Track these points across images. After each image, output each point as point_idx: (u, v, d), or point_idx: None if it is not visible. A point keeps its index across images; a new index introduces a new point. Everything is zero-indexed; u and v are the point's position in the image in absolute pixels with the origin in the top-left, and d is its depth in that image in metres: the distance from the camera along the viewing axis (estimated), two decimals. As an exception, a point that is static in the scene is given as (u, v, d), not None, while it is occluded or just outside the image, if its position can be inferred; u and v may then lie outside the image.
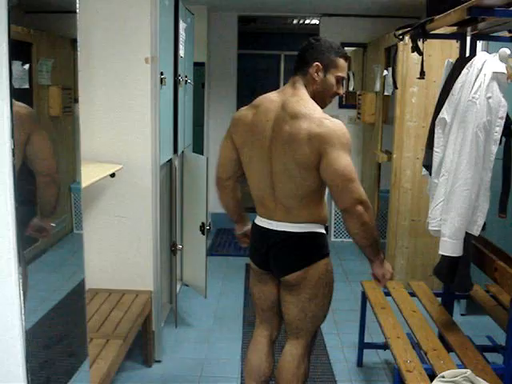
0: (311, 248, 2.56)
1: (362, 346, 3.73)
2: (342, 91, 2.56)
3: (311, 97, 2.46)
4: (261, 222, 2.60)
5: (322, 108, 2.46)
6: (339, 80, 2.51)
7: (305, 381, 2.71)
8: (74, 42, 2.01)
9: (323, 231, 2.57)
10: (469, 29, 3.08)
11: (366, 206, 2.39)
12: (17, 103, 1.39)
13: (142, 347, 3.63)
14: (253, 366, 2.77)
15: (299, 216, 2.50)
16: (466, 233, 2.78)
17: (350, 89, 6.90)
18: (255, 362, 2.76)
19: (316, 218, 2.53)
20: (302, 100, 2.43)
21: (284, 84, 2.58)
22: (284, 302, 2.67)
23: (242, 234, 2.87)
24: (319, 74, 2.46)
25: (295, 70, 2.53)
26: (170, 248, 4.18)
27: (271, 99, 2.48)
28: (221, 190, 2.76)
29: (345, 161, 2.34)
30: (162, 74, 3.53)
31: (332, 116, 2.42)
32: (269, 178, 2.48)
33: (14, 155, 1.33)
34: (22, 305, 1.42)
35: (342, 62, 2.49)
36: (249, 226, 2.81)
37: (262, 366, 2.75)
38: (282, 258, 2.57)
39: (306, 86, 2.48)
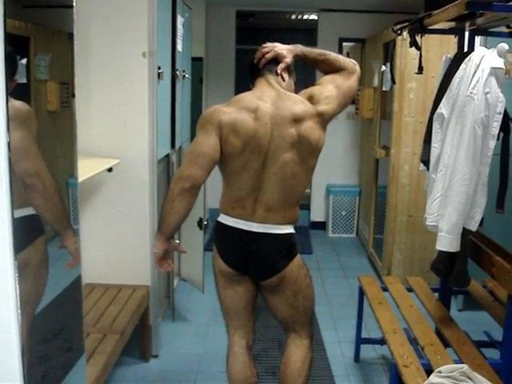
0: (290, 249, 2.55)
1: (359, 341, 3.73)
2: None
3: None
4: (235, 223, 2.50)
5: None
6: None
7: (310, 370, 2.74)
8: (72, 36, 2.00)
9: (294, 231, 2.58)
10: (467, 24, 3.07)
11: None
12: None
13: (139, 342, 3.63)
14: (238, 379, 2.71)
15: (281, 217, 2.48)
16: (464, 228, 2.78)
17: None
18: (240, 376, 2.70)
19: (293, 219, 2.54)
20: (291, 96, 2.49)
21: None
22: (270, 303, 2.66)
23: (162, 252, 2.51)
24: (286, 74, 2.56)
25: (261, 71, 2.55)
26: (168, 243, 4.17)
27: (261, 101, 2.43)
28: (187, 197, 2.39)
29: (338, 80, 2.56)
30: (159, 68, 3.52)
31: None
32: (257, 180, 2.43)
33: (9, 149, 1.32)
34: (18, 299, 1.42)
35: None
36: (172, 244, 2.56)
37: (247, 377, 2.71)
38: (264, 262, 2.52)
39: (287, 87, 2.55)
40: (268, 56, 2.51)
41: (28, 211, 1.68)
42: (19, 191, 1.57)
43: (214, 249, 2.62)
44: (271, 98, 2.43)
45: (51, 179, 1.80)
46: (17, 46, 1.72)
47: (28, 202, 1.70)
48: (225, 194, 2.55)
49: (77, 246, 1.94)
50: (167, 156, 4.10)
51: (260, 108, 2.41)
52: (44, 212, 1.83)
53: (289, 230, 2.53)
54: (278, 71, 2.50)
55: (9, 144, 1.32)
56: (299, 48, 2.58)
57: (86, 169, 2.89)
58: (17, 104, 1.65)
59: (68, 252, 1.96)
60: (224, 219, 2.55)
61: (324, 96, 2.46)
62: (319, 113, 2.44)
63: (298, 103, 2.43)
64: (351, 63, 2.58)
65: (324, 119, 2.46)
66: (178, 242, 2.75)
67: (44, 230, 1.88)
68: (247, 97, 2.47)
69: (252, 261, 2.52)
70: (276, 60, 2.52)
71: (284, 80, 2.53)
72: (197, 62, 5.71)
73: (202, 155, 2.39)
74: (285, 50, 2.52)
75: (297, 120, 2.39)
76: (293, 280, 2.57)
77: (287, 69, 2.55)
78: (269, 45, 2.54)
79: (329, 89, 2.50)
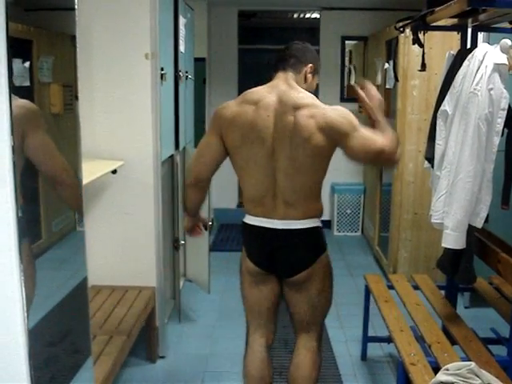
0: (316, 243, 2.57)
1: (366, 339, 3.73)
2: None
3: None
4: (257, 221, 2.52)
5: None
6: (317, 74, 2.61)
7: (319, 373, 2.74)
8: (74, 38, 2.00)
9: (321, 224, 2.59)
10: (470, 20, 3.07)
11: (394, 147, 2.41)
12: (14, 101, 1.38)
13: (145, 343, 3.63)
14: (255, 377, 2.71)
15: (302, 212, 2.48)
16: (469, 225, 2.78)
17: (352, 82, 6.88)
18: (257, 374, 2.71)
19: (316, 212, 2.54)
20: (301, 93, 2.45)
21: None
22: (291, 301, 2.65)
23: (191, 225, 2.87)
24: (310, 75, 2.55)
25: (284, 66, 2.52)
26: (173, 244, 4.18)
27: (267, 94, 2.45)
28: (196, 190, 2.67)
29: (363, 140, 2.39)
30: (162, 69, 3.52)
31: None
32: (271, 176, 2.44)
33: (13, 152, 1.32)
34: (24, 302, 1.42)
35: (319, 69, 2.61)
36: (199, 217, 2.87)
37: (264, 376, 2.71)
38: (291, 258, 2.54)
39: (299, 84, 2.52)
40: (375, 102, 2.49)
41: None
42: None
43: (242, 249, 2.67)
44: (279, 91, 2.44)
45: (73, 171, 1.93)
46: (19, 50, 1.73)
47: None
48: (244, 194, 2.59)
49: None
50: (171, 157, 4.10)
51: (262, 100, 2.42)
52: (72, 201, 2.02)
53: (312, 224, 2.52)
54: (360, 101, 2.52)
55: (13, 147, 1.32)
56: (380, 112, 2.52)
57: (90, 171, 2.89)
58: (30, 105, 1.68)
59: None
60: (247, 219, 2.58)
61: (338, 130, 2.38)
62: (326, 116, 2.37)
63: (306, 98, 2.42)
64: (392, 146, 2.41)
65: (328, 126, 2.36)
66: (206, 218, 3.05)
67: (27, 234, 1.89)
68: (256, 90, 2.50)
69: (278, 258, 2.55)
70: (300, 60, 2.53)
71: (306, 81, 2.55)
72: (199, 62, 5.72)
73: (203, 152, 2.58)
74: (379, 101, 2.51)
75: (296, 108, 2.38)
76: (320, 278, 2.58)
77: (314, 70, 2.55)
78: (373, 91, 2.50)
79: (349, 119, 2.42)
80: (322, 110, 2.38)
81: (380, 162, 2.66)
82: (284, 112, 2.38)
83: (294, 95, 2.41)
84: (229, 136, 2.47)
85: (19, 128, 1.50)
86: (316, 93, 2.63)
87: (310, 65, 2.53)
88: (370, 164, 2.51)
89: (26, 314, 1.42)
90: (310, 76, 2.54)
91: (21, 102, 1.55)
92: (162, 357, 3.70)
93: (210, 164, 2.56)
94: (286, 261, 2.55)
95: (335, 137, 2.37)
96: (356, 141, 2.38)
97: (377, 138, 2.38)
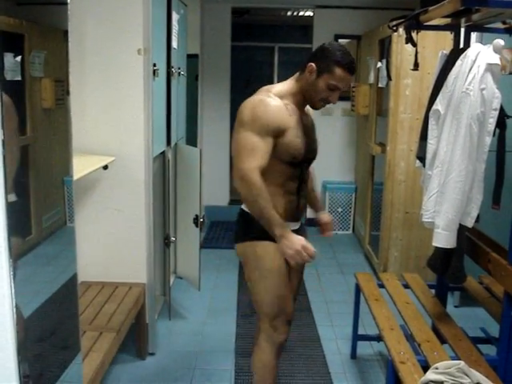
0: (237, 226, 2.69)
1: (356, 337, 3.73)
2: (334, 100, 2.58)
3: (300, 93, 2.58)
4: None
5: (313, 109, 2.67)
6: (331, 87, 2.51)
7: (262, 373, 2.72)
8: (66, 33, 1.99)
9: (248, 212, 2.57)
10: (463, 20, 3.07)
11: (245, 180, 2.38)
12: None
13: (135, 340, 3.63)
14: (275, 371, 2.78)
15: None
16: (460, 224, 2.78)
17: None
18: (273, 367, 2.76)
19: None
20: (273, 86, 2.65)
21: (278, 76, 2.64)
22: None
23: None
24: (312, 75, 2.52)
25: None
26: (164, 240, 4.17)
27: None
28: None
29: (237, 137, 2.46)
30: (154, 65, 3.51)
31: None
32: None
33: (4, 146, 1.31)
34: (13, 298, 1.41)
35: (339, 71, 2.47)
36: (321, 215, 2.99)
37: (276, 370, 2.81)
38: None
39: (298, 81, 2.60)
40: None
41: None
42: None
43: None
44: None
45: None
46: (11, 44, 1.71)
47: None
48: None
49: None
50: (163, 153, 4.09)
51: None
52: None
53: (244, 206, 2.62)
54: None
55: (3, 141, 1.31)
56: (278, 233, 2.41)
57: (81, 166, 2.88)
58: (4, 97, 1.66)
59: None
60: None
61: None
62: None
63: (260, 90, 2.62)
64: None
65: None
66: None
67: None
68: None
69: None
70: (308, 59, 2.58)
71: (308, 79, 2.56)
72: (192, 58, 5.71)
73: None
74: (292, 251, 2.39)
75: None
76: (244, 262, 2.70)
77: (315, 69, 2.53)
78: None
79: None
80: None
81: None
82: None
83: None
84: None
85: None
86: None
87: (311, 64, 2.52)
88: None
89: (14, 310, 1.41)
90: (309, 76, 2.52)
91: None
92: (152, 353, 3.70)
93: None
94: None
95: None
96: (233, 138, 2.49)
97: (242, 158, 2.39)
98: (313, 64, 2.51)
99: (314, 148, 2.68)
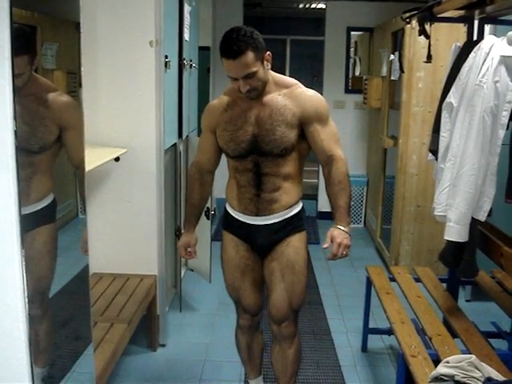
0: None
1: (367, 331, 3.73)
2: (241, 89, 2.40)
3: None
4: None
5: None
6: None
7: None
8: (78, 25, 1.99)
9: (226, 206, 2.76)
10: (476, 12, 3.04)
11: None
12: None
13: (146, 331, 3.64)
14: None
15: None
16: (472, 218, 2.76)
17: (357, 73, 6.86)
18: None
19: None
20: None
21: (290, 69, 2.60)
22: None
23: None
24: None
25: None
26: (175, 232, 4.18)
27: None
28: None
29: None
30: (166, 57, 3.51)
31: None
32: None
33: (16, 137, 1.32)
34: (25, 289, 1.42)
35: (223, 61, 2.36)
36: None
37: None
38: None
39: None
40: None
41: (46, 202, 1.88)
42: (41, 183, 1.69)
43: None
44: None
45: None
46: (23, 36, 1.72)
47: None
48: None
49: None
50: (174, 145, 4.09)
51: None
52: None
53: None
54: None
55: (15, 133, 1.31)
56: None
57: (93, 158, 2.89)
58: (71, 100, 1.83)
59: None
60: None
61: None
62: None
63: None
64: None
65: None
66: None
67: (53, 219, 1.95)
68: None
69: None
70: None
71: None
72: (204, 51, 5.69)
73: None
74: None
75: None
76: None
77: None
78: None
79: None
80: None
81: None
82: None
83: None
84: None
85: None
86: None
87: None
88: None
89: (26, 300, 1.42)
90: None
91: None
92: (163, 345, 3.71)
93: None
94: None
95: None
96: None
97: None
98: None
99: (269, 139, 2.45)
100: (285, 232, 2.60)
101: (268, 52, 2.43)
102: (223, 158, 2.68)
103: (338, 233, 2.48)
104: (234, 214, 2.67)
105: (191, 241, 2.80)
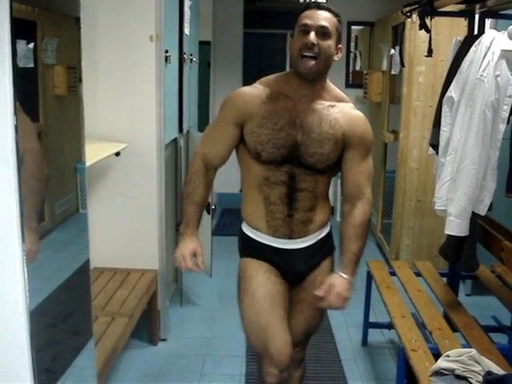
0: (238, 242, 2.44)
1: (367, 325, 3.74)
2: (308, 40, 2.08)
3: (296, 76, 2.18)
4: None
5: (300, 77, 2.15)
6: (302, 29, 2.12)
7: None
8: (78, 20, 1.99)
9: (243, 228, 2.37)
10: (477, 6, 3.04)
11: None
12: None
13: (147, 326, 3.65)
14: None
15: None
16: (473, 212, 2.77)
17: (357, 68, 6.85)
18: None
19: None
20: None
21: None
22: None
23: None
24: (290, 44, 2.21)
25: None
26: (176, 227, 4.18)
27: None
28: None
29: None
30: (166, 51, 3.50)
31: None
32: None
33: (17, 132, 1.32)
34: (27, 283, 1.42)
35: (304, 13, 2.15)
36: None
37: None
38: None
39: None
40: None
41: None
42: None
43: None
44: None
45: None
46: (24, 31, 1.72)
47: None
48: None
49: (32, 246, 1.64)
50: (175, 140, 4.09)
51: None
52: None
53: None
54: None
55: (16, 127, 1.31)
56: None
57: (94, 153, 2.88)
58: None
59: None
60: None
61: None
62: None
63: None
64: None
65: None
66: None
67: None
68: None
69: None
70: None
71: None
72: (204, 45, 5.69)
73: None
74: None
75: None
76: None
77: None
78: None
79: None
80: None
81: None
82: None
83: None
84: None
85: None
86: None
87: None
88: None
89: (27, 295, 1.43)
90: (289, 49, 2.25)
91: None
92: (164, 339, 3.72)
93: None
94: None
95: None
96: None
97: (200, 143, 2.34)
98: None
99: (314, 152, 2.15)
100: (320, 255, 2.37)
101: (341, 46, 2.19)
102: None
103: (340, 282, 2.25)
104: (258, 238, 2.30)
105: (197, 248, 2.29)
